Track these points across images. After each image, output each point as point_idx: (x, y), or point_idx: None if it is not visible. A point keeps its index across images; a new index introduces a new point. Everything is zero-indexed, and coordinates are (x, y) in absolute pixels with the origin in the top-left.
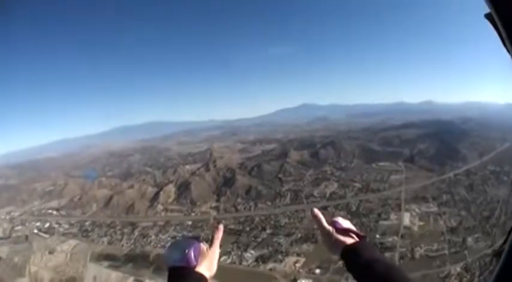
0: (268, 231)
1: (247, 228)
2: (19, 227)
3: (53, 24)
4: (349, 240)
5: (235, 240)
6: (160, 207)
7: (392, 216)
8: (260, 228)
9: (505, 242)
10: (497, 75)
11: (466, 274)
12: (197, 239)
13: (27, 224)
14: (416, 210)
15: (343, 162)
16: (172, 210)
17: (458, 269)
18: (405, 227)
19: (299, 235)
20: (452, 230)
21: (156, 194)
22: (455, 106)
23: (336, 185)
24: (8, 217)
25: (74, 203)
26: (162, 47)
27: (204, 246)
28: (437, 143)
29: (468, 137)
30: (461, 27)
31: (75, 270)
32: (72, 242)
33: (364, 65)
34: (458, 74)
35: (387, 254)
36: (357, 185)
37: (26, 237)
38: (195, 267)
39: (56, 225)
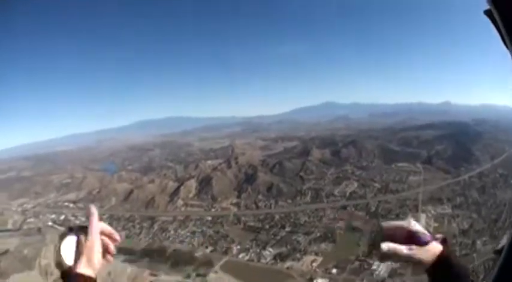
0: (288, 229)
1: (267, 226)
2: (31, 219)
3: (61, 14)
4: (436, 248)
5: (254, 237)
6: (180, 202)
7: (410, 217)
8: (279, 226)
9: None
10: (506, 77)
11: (472, 277)
12: (70, 230)
13: (40, 216)
14: (432, 211)
15: (364, 162)
16: (192, 205)
17: None
18: None
19: (318, 234)
20: (463, 232)
21: (177, 189)
22: (471, 108)
23: (356, 184)
24: (20, 209)
25: (93, 196)
26: (183, 43)
27: (82, 238)
28: (454, 144)
29: (481, 139)
30: (471, 27)
31: None
32: None
33: (385, 65)
34: (474, 76)
35: None
36: (377, 185)
37: (39, 229)
38: (72, 268)
39: (72, 218)
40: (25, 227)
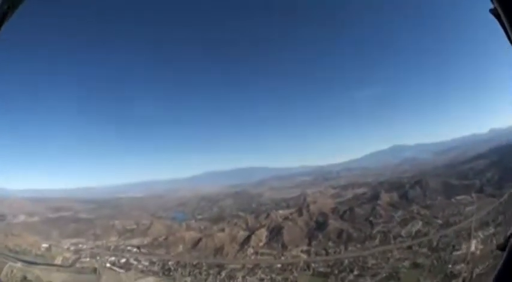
0: (356, 272)
1: (336, 271)
2: (86, 259)
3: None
4: None
5: None
6: (250, 250)
7: (463, 246)
8: (348, 270)
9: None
10: None
11: None
12: None
13: (98, 258)
14: (481, 235)
15: (428, 200)
16: (262, 254)
17: None
18: (471, 253)
19: (384, 274)
20: (497, 246)
21: (247, 238)
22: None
23: (420, 223)
24: (73, 248)
25: (158, 243)
26: (249, 93)
27: None
28: (499, 170)
29: None
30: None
31: None
32: (151, 279)
33: (440, 101)
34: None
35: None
36: (439, 221)
37: (95, 269)
38: None
39: (135, 262)
40: (78, 265)
